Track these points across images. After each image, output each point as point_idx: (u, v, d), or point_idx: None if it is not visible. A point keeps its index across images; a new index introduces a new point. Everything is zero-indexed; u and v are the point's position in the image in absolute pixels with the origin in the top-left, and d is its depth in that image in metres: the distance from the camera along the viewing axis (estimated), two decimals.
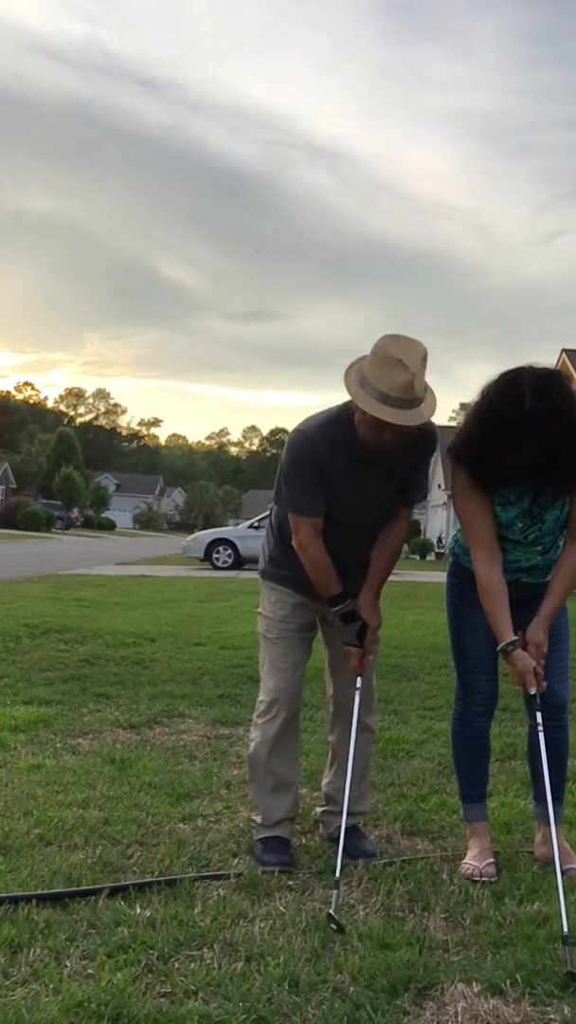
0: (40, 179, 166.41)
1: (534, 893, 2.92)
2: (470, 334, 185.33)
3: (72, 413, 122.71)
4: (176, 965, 2.37)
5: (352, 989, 2.27)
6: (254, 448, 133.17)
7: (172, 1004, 2.17)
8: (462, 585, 3.20)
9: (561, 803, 3.24)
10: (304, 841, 3.37)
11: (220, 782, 4.00)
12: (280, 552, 3.29)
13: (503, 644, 2.98)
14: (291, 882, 2.94)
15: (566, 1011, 2.22)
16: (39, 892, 2.74)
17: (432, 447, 3.18)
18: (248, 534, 21.59)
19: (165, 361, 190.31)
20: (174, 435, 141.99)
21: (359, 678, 3.21)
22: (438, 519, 43.47)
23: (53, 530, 47.74)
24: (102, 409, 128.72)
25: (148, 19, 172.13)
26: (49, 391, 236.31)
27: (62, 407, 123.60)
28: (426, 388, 2.93)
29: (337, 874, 2.80)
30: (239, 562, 21.40)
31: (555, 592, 3.07)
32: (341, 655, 3.31)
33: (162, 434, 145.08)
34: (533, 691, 2.96)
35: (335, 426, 3.04)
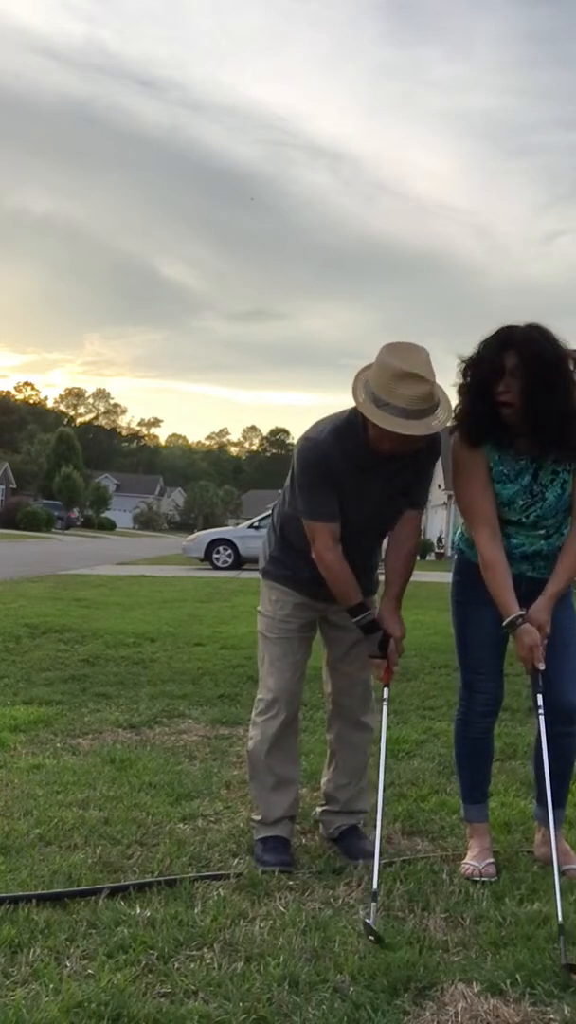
0: (40, 179, 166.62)
1: (534, 893, 2.92)
2: (470, 334, 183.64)
3: (72, 413, 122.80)
4: (176, 965, 2.37)
5: (352, 989, 2.27)
6: (254, 448, 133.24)
7: (172, 1004, 2.17)
8: (467, 583, 3.19)
9: (563, 807, 3.23)
10: (304, 841, 3.37)
11: (220, 782, 4.00)
12: (281, 551, 3.29)
13: (510, 618, 2.97)
14: (291, 882, 2.94)
15: (566, 1011, 2.22)
16: (39, 892, 2.74)
17: (437, 449, 3.18)
18: (248, 534, 21.59)
19: (165, 361, 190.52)
20: (174, 435, 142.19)
21: (385, 688, 3.19)
22: (438, 519, 43.45)
23: (53, 530, 47.75)
24: (102, 409, 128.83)
25: (148, 19, 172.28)
26: (49, 391, 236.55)
27: (62, 407, 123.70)
28: (439, 396, 2.93)
29: (374, 885, 2.72)
30: (239, 562, 21.40)
31: (559, 574, 3.05)
32: (340, 654, 3.31)
33: (162, 434, 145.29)
34: (542, 666, 2.96)
35: (344, 432, 3.03)
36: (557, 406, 2.88)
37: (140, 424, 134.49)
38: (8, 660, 6.93)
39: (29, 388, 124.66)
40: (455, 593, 3.28)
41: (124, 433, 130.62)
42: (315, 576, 3.12)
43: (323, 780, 3.45)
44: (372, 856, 3.10)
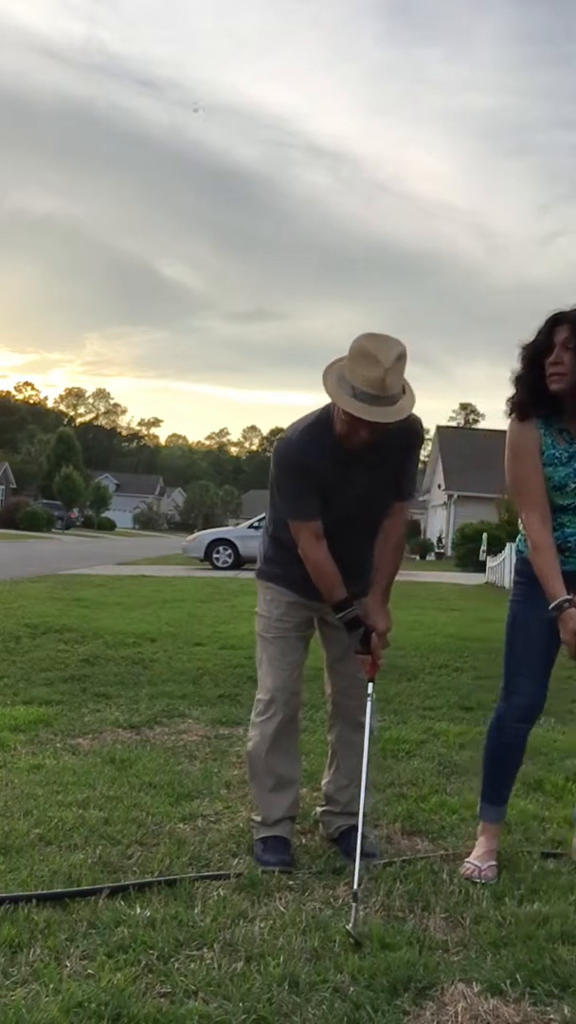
0: (40, 179, 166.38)
1: (534, 893, 2.92)
2: (470, 334, 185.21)
3: (72, 413, 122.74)
4: (176, 965, 2.37)
5: (352, 989, 2.27)
6: (254, 448, 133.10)
7: (172, 1004, 2.17)
8: (524, 583, 3.16)
9: None
10: (304, 841, 3.37)
11: (220, 782, 4.00)
12: (274, 551, 3.30)
13: (556, 602, 2.93)
14: (291, 882, 2.94)
15: (566, 1011, 2.22)
16: (39, 892, 2.74)
17: (415, 442, 3.18)
18: (248, 534, 21.58)
19: (165, 361, 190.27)
20: (174, 435, 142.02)
21: (370, 683, 3.18)
22: (438, 519, 43.45)
23: (53, 530, 47.74)
24: (102, 409, 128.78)
25: (148, 19, 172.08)
26: (49, 391, 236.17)
27: (62, 407, 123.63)
28: (404, 388, 2.93)
29: (355, 886, 2.71)
30: (239, 562, 21.39)
31: None
32: (339, 655, 3.31)
33: (162, 434, 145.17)
34: None
35: (318, 427, 3.05)
36: None
37: (140, 424, 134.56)
38: (8, 660, 6.93)
39: (29, 388, 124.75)
40: (513, 592, 3.24)
41: (124, 433, 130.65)
42: (307, 574, 3.12)
43: (323, 781, 3.45)
44: (372, 855, 3.10)
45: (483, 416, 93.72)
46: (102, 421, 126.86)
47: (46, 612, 9.67)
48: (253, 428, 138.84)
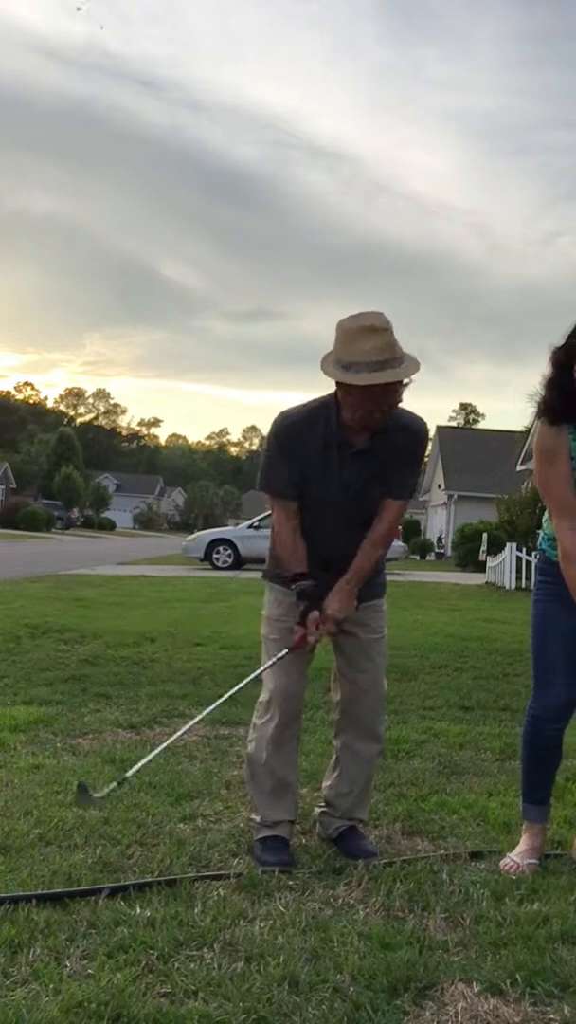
0: (40, 179, 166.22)
1: (534, 893, 2.92)
2: (470, 334, 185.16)
3: (72, 413, 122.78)
4: (176, 965, 2.37)
5: (352, 989, 2.27)
6: (254, 448, 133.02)
7: (172, 1004, 2.17)
8: (548, 581, 3.16)
9: None
10: (304, 841, 3.37)
11: (220, 782, 4.00)
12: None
13: None
14: (291, 882, 2.94)
15: (566, 1011, 2.22)
16: (39, 892, 2.74)
17: (416, 444, 3.17)
18: (248, 534, 21.58)
19: (165, 361, 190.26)
20: (174, 435, 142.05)
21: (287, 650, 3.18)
22: (438, 519, 43.46)
23: (53, 530, 47.75)
24: (102, 409, 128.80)
25: (148, 19, 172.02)
26: (49, 391, 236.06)
27: (62, 407, 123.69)
28: (402, 351, 2.96)
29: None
30: (239, 562, 21.39)
31: None
32: (347, 661, 3.29)
33: (162, 434, 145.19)
34: None
35: (320, 410, 3.09)
36: None
37: (140, 424, 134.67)
38: (8, 660, 6.94)
39: (29, 388, 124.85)
40: (536, 591, 3.23)
41: (124, 433, 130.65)
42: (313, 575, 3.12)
43: (324, 783, 3.42)
44: (372, 855, 3.11)
45: (483, 416, 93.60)
46: (102, 421, 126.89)
47: (46, 612, 9.68)
48: (253, 428, 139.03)
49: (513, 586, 16.97)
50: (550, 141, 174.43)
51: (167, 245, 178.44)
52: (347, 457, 3.06)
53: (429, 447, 46.08)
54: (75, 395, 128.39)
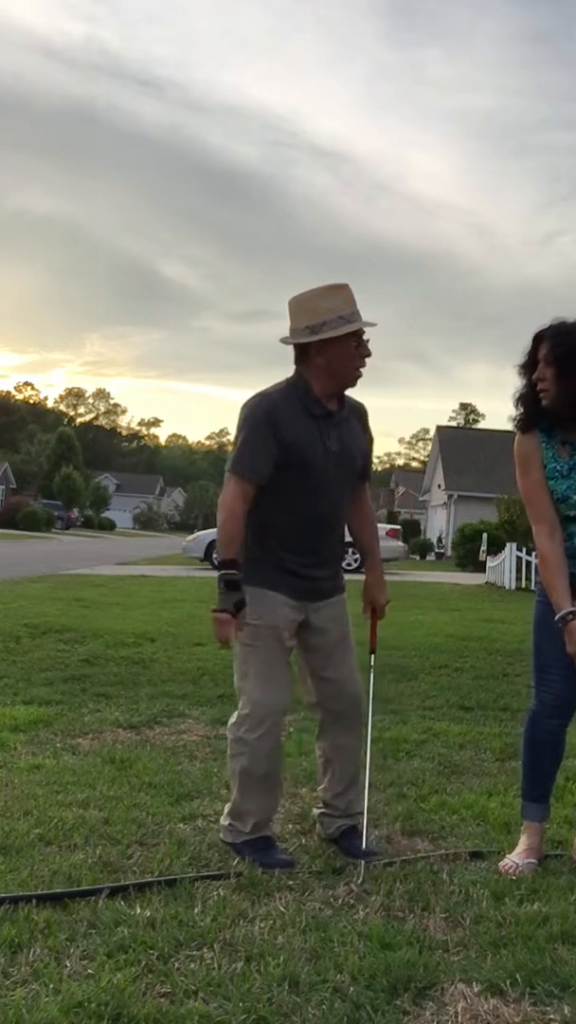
0: (40, 179, 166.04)
1: (534, 893, 2.92)
2: (470, 334, 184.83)
3: (72, 413, 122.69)
4: (176, 965, 2.37)
5: (352, 989, 2.27)
6: None
7: (172, 1004, 2.17)
8: None
9: None
10: (304, 841, 3.37)
11: (220, 782, 4.00)
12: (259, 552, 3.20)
13: (561, 613, 3.02)
14: (291, 882, 2.94)
15: (566, 1011, 2.22)
16: (39, 892, 2.74)
17: (366, 414, 3.35)
18: None
19: (165, 361, 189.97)
20: (174, 435, 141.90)
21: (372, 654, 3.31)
22: (438, 519, 43.45)
23: (53, 530, 47.75)
24: (102, 409, 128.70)
25: (148, 19, 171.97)
26: (49, 391, 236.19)
27: (62, 407, 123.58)
28: None
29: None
30: None
31: None
32: (322, 661, 3.25)
33: (162, 434, 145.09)
34: None
35: (289, 389, 3.14)
36: None
37: (140, 424, 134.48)
38: (8, 660, 6.94)
39: (29, 388, 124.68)
40: (538, 592, 3.28)
41: (124, 433, 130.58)
42: (294, 570, 3.13)
43: (319, 788, 3.40)
44: (372, 855, 3.10)
45: (483, 416, 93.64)
46: (102, 421, 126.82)
47: (46, 612, 9.67)
48: None
49: (513, 586, 16.95)
50: (550, 141, 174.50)
51: (167, 245, 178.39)
52: (330, 427, 3.13)
53: (429, 447, 46.14)
54: (75, 395, 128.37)
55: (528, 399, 3.12)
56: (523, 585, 16.62)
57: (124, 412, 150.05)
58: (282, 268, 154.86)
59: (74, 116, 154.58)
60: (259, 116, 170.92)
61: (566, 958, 2.46)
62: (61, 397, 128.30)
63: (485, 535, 22.15)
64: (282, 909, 2.73)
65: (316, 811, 3.43)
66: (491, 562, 19.67)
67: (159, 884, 2.84)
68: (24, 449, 78.61)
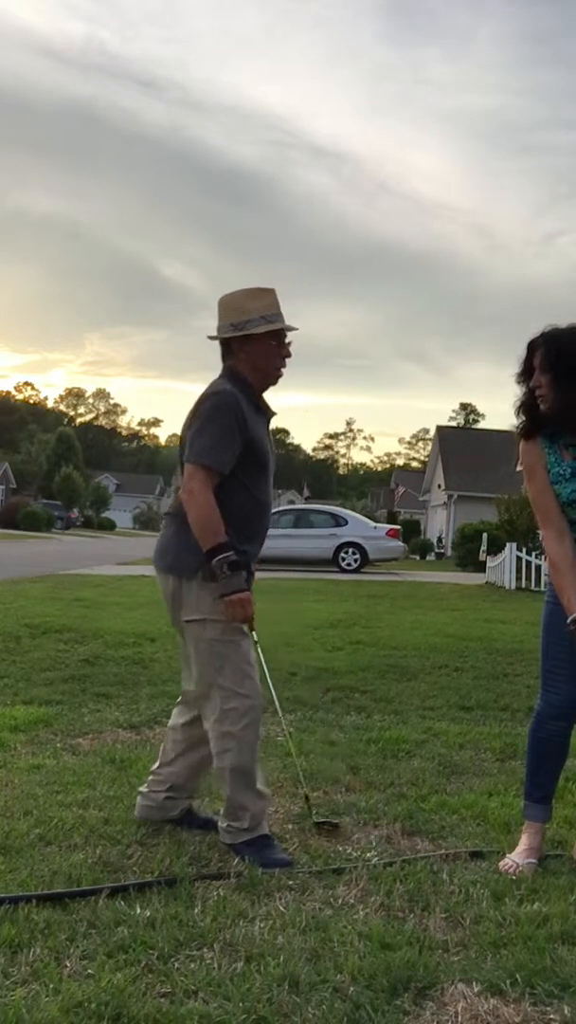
0: (40, 179, 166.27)
1: (534, 893, 2.92)
2: (470, 334, 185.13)
3: (72, 413, 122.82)
4: (176, 965, 2.37)
5: (352, 989, 2.27)
6: None
7: (172, 1004, 2.17)
8: None
9: None
10: (304, 841, 3.37)
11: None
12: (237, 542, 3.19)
13: (573, 616, 3.03)
14: (291, 882, 2.94)
15: (566, 1011, 2.22)
16: (39, 892, 2.74)
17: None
18: None
19: (165, 361, 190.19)
20: (174, 435, 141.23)
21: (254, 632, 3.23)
22: (438, 519, 43.45)
23: (53, 530, 47.74)
24: (102, 409, 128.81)
25: (148, 19, 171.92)
26: (49, 391, 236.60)
27: (62, 407, 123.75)
28: None
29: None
30: None
31: None
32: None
33: (162, 434, 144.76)
34: None
35: (241, 386, 3.21)
36: None
37: (140, 424, 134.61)
38: (8, 660, 6.93)
39: (29, 388, 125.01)
40: (547, 593, 3.30)
41: (124, 433, 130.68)
42: (246, 561, 3.18)
43: (167, 769, 3.39)
44: (209, 826, 3.30)
45: (483, 416, 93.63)
46: (102, 421, 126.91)
47: (46, 612, 9.67)
48: None
49: (513, 586, 16.95)
50: (550, 141, 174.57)
51: (167, 245, 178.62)
52: (267, 423, 3.30)
53: (429, 447, 46.14)
54: (75, 395, 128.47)
55: (528, 406, 3.15)
56: (523, 585, 16.62)
57: (124, 412, 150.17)
58: (282, 268, 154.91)
59: (74, 116, 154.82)
60: (259, 116, 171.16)
61: (566, 958, 2.46)
62: (61, 397, 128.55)
63: (485, 535, 22.14)
64: (282, 909, 2.73)
65: (161, 796, 3.39)
66: (491, 562, 19.66)
67: (159, 884, 2.84)
68: (24, 449, 78.65)
